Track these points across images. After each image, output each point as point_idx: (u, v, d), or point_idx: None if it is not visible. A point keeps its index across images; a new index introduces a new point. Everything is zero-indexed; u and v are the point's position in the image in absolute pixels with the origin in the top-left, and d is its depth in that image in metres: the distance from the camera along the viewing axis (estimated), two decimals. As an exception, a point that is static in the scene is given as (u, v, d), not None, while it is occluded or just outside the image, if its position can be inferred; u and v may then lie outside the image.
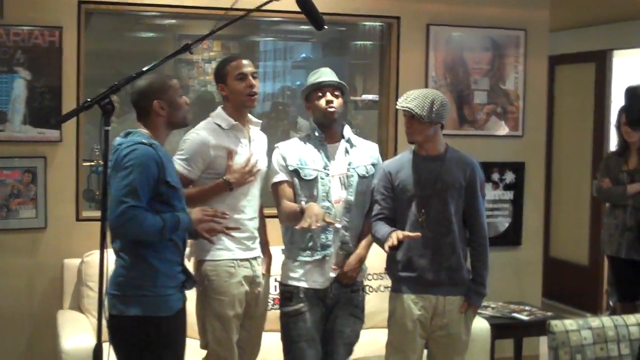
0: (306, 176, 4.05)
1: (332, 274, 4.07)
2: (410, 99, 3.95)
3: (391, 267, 4.12)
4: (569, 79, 7.99)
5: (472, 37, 5.82)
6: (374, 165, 4.20)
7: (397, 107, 4.02)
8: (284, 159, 4.08)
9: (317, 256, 4.03)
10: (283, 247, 4.19)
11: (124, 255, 3.45)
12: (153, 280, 3.43)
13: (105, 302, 3.38)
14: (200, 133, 4.01)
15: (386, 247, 3.82)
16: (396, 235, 3.79)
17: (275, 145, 4.19)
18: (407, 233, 3.84)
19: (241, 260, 4.04)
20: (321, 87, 4.07)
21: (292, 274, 4.08)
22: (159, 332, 3.42)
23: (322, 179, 4.04)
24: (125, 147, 3.39)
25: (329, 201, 4.03)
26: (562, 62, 7.82)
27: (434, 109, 3.92)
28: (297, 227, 3.82)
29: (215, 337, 4.02)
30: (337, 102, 4.06)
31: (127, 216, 3.29)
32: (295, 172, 4.06)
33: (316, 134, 4.10)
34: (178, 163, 3.89)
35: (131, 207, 3.30)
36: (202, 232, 3.62)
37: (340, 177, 4.09)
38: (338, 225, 4.00)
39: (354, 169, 4.11)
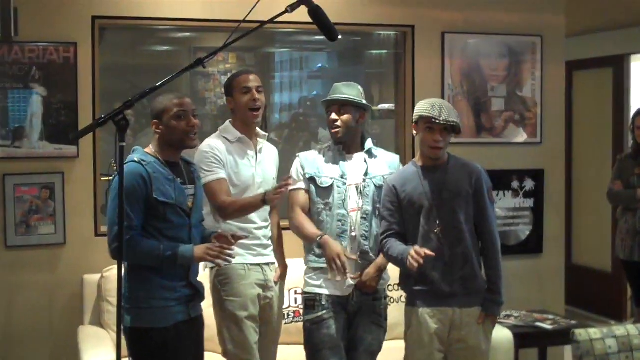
0: (322, 184, 4.08)
1: (352, 282, 4.05)
2: (449, 112, 3.86)
3: (404, 281, 4.06)
4: (587, 85, 7.95)
5: (488, 44, 5.78)
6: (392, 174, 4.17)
7: (440, 121, 3.84)
8: (302, 167, 4.14)
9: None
10: (304, 257, 4.19)
11: (128, 269, 3.56)
12: (149, 293, 3.51)
13: None
14: (208, 142, 4.11)
15: (414, 264, 3.72)
16: (417, 255, 3.72)
17: (297, 154, 4.26)
18: (425, 251, 3.75)
19: (251, 264, 4.09)
20: (328, 104, 4.12)
21: (312, 282, 4.09)
22: (151, 343, 3.50)
23: (338, 187, 4.07)
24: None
25: (345, 209, 4.05)
26: (580, 68, 7.77)
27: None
28: (328, 278, 3.97)
29: (234, 340, 4.05)
30: (340, 121, 4.08)
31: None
32: (312, 180, 4.10)
33: (335, 146, 4.14)
34: (203, 176, 3.93)
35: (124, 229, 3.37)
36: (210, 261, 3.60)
37: (356, 187, 4.09)
38: (354, 257, 3.99)
39: (370, 179, 4.11)
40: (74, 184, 4.99)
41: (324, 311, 4.03)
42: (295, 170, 4.18)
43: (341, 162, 4.12)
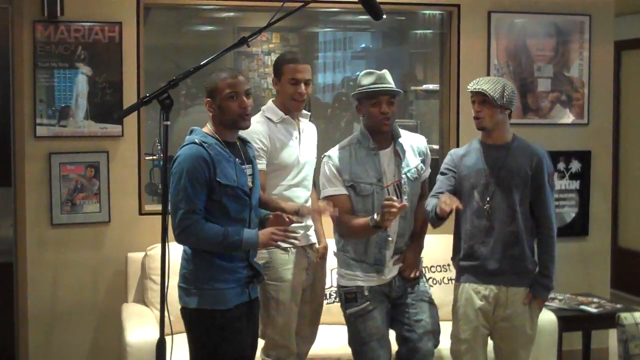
0: (362, 191, 3.91)
1: (394, 272, 3.98)
2: (483, 82, 3.91)
3: (455, 256, 4.10)
4: (637, 65, 7.80)
5: (535, 24, 5.70)
6: (423, 161, 4.08)
7: (468, 89, 3.95)
8: (339, 172, 3.93)
9: (371, 270, 3.93)
10: (335, 250, 4.09)
11: (186, 249, 3.55)
12: (210, 274, 3.48)
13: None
14: (255, 126, 3.93)
15: (444, 209, 3.71)
16: (446, 201, 3.73)
17: (325, 154, 4.04)
18: (456, 201, 3.75)
19: (294, 247, 4.00)
20: (376, 95, 3.89)
21: (350, 275, 3.97)
22: (213, 325, 3.48)
23: (377, 192, 3.91)
24: (179, 150, 3.47)
25: None
26: (629, 48, 7.63)
27: (505, 94, 3.89)
28: (386, 226, 3.71)
29: (273, 324, 4.04)
30: (391, 112, 3.90)
31: (184, 223, 3.38)
32: (352, 188, 3.91)
33: (370, 145, 3.93)
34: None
35: (186, 213, 3.37)
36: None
37: (393, 186, 3.96)
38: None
39: (405, 174, 3.98)
40: (118, 163, 5.03)
41: (367, 302, 3.92)
42: (328, 174, 3.95)
43: (376, 162, 3.93)
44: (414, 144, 4.08)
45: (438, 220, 3.85)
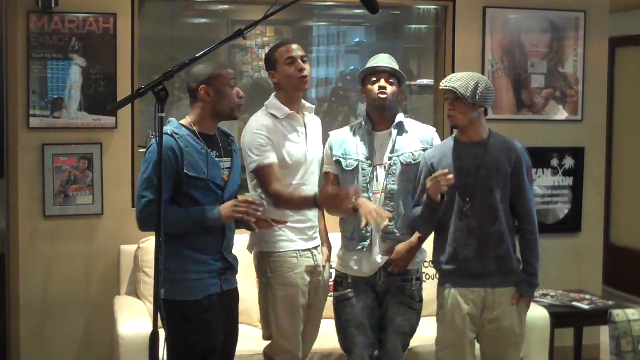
0: (347, 167, 4.04)
1: (379, 261, 4.03)
2: (455, 80, 3.86)
3: (437, 259, 4.03)
4: (631, 62, 7.81)
5: (529, 20, 5.70)
6: (425, 150, 4.09)
7: (440, 87, 3.95)
8: (331, 149, 4.12)
9: (359, 247, 4.03)
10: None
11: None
12: (180, 265, 3.51)
13: None
14: (260, 120, 3.95)
15: (437, 198, 3.77)
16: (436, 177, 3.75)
17: (329, 133, 4.21)
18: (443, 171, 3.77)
19: (303, 250, 4.00)
20: (376, 73, 4.02)
21: (341, 261, 4.13)
22: (183, 316, 3.50)
23: (363, 169, 4.01)
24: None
25: (369, 192, 4.00)
26: (623, 45, 7.64)
27: (478, 91, 3.82)
28: (362, 225, 3.84)
29: (280, 329, 3.99)
30: (390, 89, 3.99)
31: (147, 211, 3.39)
32: (338, 163, 4.06)
33: (364, 123, 4.07)
34: (253, 159, 3.86)
35: (150, 202, 3.39)
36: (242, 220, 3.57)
37: (384, 166, 4.02)
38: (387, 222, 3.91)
39: (397, 157, 4.02)
40: (112, 155, 5.02)
41: (349, 289, 4.06)
42: (325, 151, 4.15)
43: (369, 141, 4.03)
44: (418, 132, 4.14)
45: (435, 204, 3.82)
